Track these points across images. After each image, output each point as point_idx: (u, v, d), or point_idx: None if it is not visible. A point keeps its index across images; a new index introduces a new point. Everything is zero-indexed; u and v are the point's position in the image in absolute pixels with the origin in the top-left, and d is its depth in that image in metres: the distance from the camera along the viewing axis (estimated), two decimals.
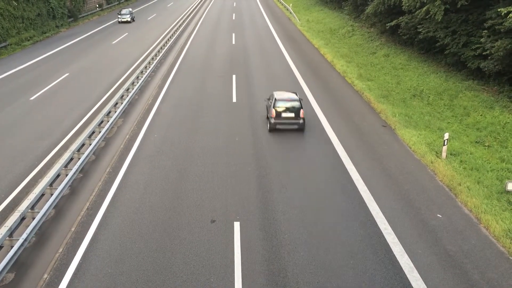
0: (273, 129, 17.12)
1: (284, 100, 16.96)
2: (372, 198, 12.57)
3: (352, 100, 21.59)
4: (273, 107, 16.86)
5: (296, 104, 16.91)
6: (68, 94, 22.33)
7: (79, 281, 9.33)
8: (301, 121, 16.86)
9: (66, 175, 13.16)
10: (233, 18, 50.60)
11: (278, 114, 16.81)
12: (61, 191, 12.18)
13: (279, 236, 10.82)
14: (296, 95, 17.49)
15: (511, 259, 10.13)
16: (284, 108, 16.82)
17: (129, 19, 47.26)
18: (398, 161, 14.97)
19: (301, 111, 16.89)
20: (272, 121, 16.87)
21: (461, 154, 15.24)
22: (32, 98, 21.64)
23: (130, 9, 49.41)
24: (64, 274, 9.52)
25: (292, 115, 16.84)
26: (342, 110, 19.99)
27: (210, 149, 15.71)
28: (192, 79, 24.99)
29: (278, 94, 17.39)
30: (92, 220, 11.49)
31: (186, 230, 11.07)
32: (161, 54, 29.99)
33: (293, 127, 16.98)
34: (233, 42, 36.01)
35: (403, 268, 9.76)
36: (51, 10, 40.71)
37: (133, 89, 21.96)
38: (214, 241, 10.62)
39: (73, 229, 11.14)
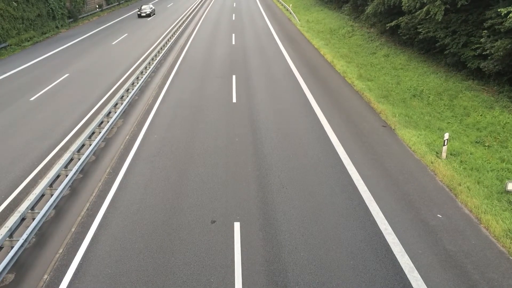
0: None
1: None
2: (372, 198, 12.57)
3: (352, 100, 21.59)
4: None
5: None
6: (68, 94, 22.34)
7: (79, 282, 9.33)
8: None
9: (66, 175, 13.17)
10: (233, 18, 50.61)
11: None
12: (61, 191, 12.18)
13: (279, 236, 10.82)
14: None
15: (511, 259, 10.13)
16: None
17: (148, 12, 53.38)
18: (398, 161, 14.97)
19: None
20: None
21: (461, 154, 15.24)
22: (32, 99, 21.64)
23: (151, 5, 55.64)
24: (64, 275, 9.53)
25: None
26: (342, 111, 19.99)
27: (210, 150, 15.71)
28: (192, 80, 25.00)
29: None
30: (92, 221, 11.50)
31: (186, 230, 11.07)
32: (161, 55, 29.99)
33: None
34: (233, 43, 36.02)
35: (404, 268, 9.76)
36: (51, 11, 40.72)
37: (133, 89, 21.97)
38: (214, 242, 10.62)
39: (73, 229, 11.14)
